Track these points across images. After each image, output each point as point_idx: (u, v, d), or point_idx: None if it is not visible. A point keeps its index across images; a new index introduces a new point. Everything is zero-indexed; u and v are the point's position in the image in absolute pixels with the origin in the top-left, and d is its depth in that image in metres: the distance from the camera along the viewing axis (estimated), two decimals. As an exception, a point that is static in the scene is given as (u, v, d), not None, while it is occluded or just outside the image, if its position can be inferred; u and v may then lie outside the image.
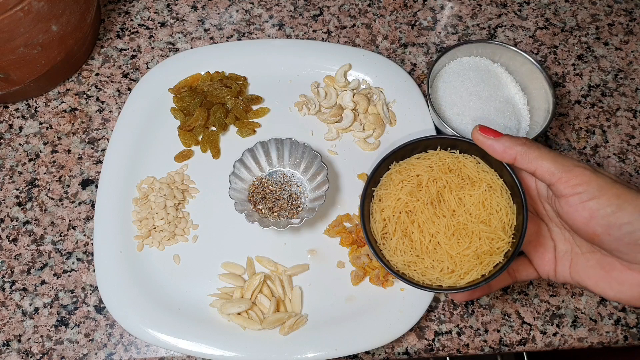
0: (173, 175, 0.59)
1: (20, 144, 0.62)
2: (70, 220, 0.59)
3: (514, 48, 0.61)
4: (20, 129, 0.63)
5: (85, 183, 0.60)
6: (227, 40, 0.69)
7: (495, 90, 0.62)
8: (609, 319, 0.57)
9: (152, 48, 0.68)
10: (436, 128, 0.62)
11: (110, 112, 0.64)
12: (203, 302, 0.54)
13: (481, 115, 0.60)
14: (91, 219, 0.59)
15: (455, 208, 0.46)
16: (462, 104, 0.61)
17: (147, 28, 0.69)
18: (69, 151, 0.62)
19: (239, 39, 0.69)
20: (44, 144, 0.62)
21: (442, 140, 0.48)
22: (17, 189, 0.60)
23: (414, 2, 0.73)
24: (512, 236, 0.45)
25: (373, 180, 0.48)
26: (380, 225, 0.47)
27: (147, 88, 0.63)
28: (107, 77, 0.66)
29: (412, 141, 0.48)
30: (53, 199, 0.60)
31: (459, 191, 0.46)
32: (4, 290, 0.55)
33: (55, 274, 0.56)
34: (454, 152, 0.48)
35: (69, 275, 0.56)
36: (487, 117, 0.60)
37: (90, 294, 0.56)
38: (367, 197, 0.48)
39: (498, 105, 0.61)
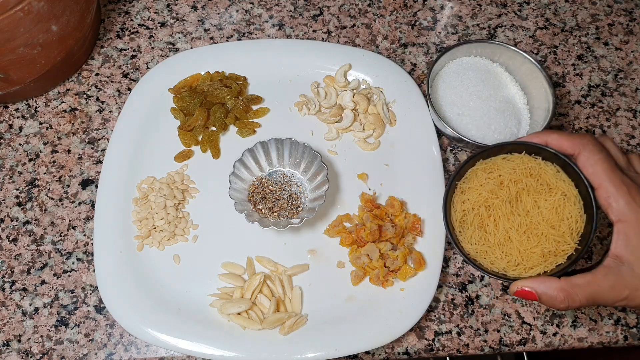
0: (173, 175, 0.59)
1: (20, 144, 0.62)
2: (70, 220, 0.59)
3: (513, 48, 0.61)
4: (20, 129, 0.63)
5: (85, 183, 0.60)
6: (227, 40, 0.69)
7: (495, 90, 0.62)
8: (609, 319, 0.57)
9: (152, 48, 0.68)
10: (436, 128, 0.62)
11: (110, 112, 0.64)
12: (203, 302, 0.54)
13: (481, 115, 0.60)
14: (91, 219, 0.59)
15: (530, 209, 0.49)
16: (462, 103, 0.61)
17: (147, 28, 0.69)
18: (69, 151, 0.62)
19: (239, 39, 0.69)
20: (44, 144, 0.62)
21: (527, 146, 0.51)
22: (17, 189, 0.60)
23: (414, 2, 0.73)
24: (578, 243, 0.48)
25: (459, 174, 0.52)
26: (459, 215, 0.51)
27: (147, 88, 0.63)
28: (107, 77, 0.66)
29: (499, 144, 0.52)
30: (53, 199, 0.60)
31: (536, 195, 0.49)
32: (4, 290, 0.55)
33: (55, 274, 0.56)
34: (536, 158, 0.51)
35: (69, 275, 0.56)
36: (487, 117, 0.60)
37: (90, 294, 0.56)
38: (451, 189, 0.51)
39: (498, 105, 0.61)
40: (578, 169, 0.48)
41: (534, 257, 0.49)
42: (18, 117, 0.63)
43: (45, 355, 0.53)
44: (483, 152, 0.52)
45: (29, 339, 0.54)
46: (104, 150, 0.62)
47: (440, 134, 0.63)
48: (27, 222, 0.58)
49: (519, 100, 0.63)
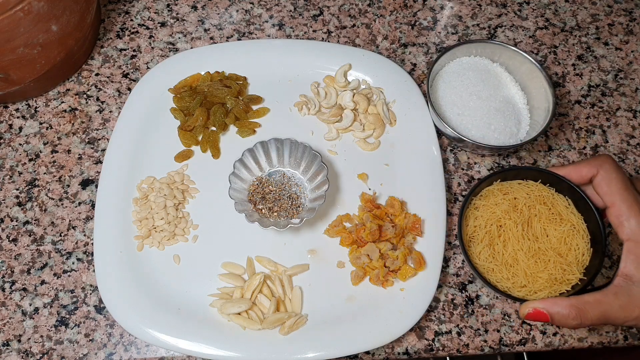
0: (173, 175, 0.59)
1: (20, 144, 0.62)
2: (70, 220, 0.59)
3: (513, 48, 0.61)
4: (20, 129, 0.63)
5: (85, 183, 0.60)
6: (227, 40, 0.69)
7: (495, 90, 0.62)
8: (609, 319, 0.57)
9: (152, 48, 0.68)
10: (436, 128, 0.62)
11: (110, 112, 0.64)
12: (203, 302, 0.54)
13: (481, 115, 0.60)
14: (91, 219, 0.59)
15: (539, 236, 0.51)
16: (462, 104, 0.61)
17: (147, 28, 0.69)
18: (69, 151, 0.62)
19: (239, 39, 0.69)
20: (44, 144, 0.62)
21: (543, 175, 0.53)
22: (17, 189, 0.60)
23: (414, 2, 0.73)
24: (583, 274, 0.50)
25: (475, 191, 0.54)
26: (470, 230, 0.53)
27: (147, 88, 0.63)
28: (107, 77, 0.66)
29: (517, 167, 0.57)
30: (53, 199, 0.60)
31: (547, 223, 0.52)
32: (4, 290, 0.55)
33: (55, 274, 0.56)
34: (550, 189, 0.53)
35: (69, 275, 0.56)
36: (487, 117, 0.60)
37: (90, 294, 0.56)
38: (466, 205, 0.53)
39: (498, 105, 0.61)
40: (591, 203, 0.50)
41: (540, 281, 0.50)
42: (18, 117, 0.63)
43: (45, 355, 0.53)
44: (501, 172, 0.54)
45: (29, 339, 0.54)
46: (104, 150, 0.62)
47: (440, 134, 0.63)
48: (27, 222, 0.58)
49: (519, 100, 0.63)
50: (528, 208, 0.53)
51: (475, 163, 0.64)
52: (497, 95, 0.62)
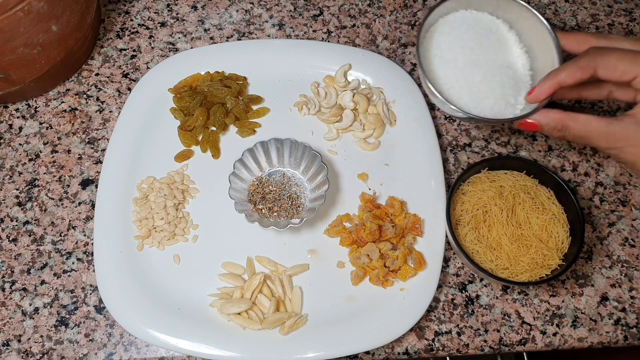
0: (173, 175, 0.60)
1: (20, 144, 0.62)
2: (70, 220, 0.59)
3: (521, 2, 0.54)
4: (20, 129, 0.63)
5: (85, 183, 0.61)
6: (227, 40, 0.69)
7: (496, 53, 0.55)
8: (609, 319, 0.57)
9: (152, 48, 0.68)
10: (430, 107, 0.57)
11: (110, 112, 0.64)
12: (203, 302, 0.54)
13: (478, 82, 0.54)
14: (91, 219, 0.59)
15: (522, 223, 0.55)
16: (455, 70, 0.54)
17: (147, 28, 0.69)
18: (69, 151, 0.62)
19: (239, 39, 0.69)
20: (44, 144, 0.62)
21: (528, 165, 0.57)
22: (17, 189, 0.60)
23: (414, 2, 0.73)
24: (562, 260, 0.53)
25: (463, 177, 0.56)
26: (457, 214, 0.56)
27: (147, 88, 0.63)
28: (107, 77, 0.66)
29: (506, 156, 0.61)
30: (53, 199, 0.60)
31: (530, 211, 0.55)
32: (4, 290, 0.56)
33: (55, 274, 0.56)
34: (535, 180, 0.57)
35: (69, 275, 0.56)
36: (483, 84, 0.53)
37: (90, 294, 0.56)
38: (454, 190, 0.56)
39: (496, 71, 0.54)
40: (572, 195, 0.54)
41: (522, 264, 0.53)
42: (18, 117, 0.63)
43: (45, 355, 0.53)
44: (489, 160, 0.57)
45: (29, 339, 0.54)
46: (104, 150, 0.62)
47: (433, 108, 0.62)
48: (27, 222, 0.58)
49: (520, 65, 0.56)
50: (513, 196, 0.56)
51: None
52: (497, 59, 0.54)
